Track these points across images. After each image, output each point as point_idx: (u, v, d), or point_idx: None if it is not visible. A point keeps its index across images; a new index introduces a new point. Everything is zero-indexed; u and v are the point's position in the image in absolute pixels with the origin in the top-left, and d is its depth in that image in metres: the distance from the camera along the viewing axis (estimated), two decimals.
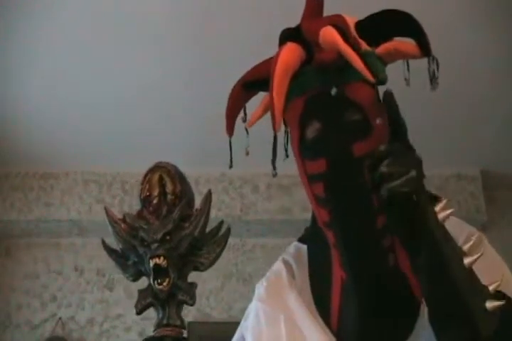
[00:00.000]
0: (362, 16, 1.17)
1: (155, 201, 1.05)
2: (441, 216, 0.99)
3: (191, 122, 3.44)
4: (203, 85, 3.15)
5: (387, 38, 1.14)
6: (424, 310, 1.09)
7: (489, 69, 3.07)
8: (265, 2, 2.75)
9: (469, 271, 0.97)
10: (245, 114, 1.25)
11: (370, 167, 1.00)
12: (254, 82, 1.21)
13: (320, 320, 1.19)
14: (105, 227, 4.21)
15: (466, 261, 0.97)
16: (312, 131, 1.14)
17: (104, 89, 3.23)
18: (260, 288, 1.32)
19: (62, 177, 3.87)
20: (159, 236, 1.00)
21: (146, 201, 1.05)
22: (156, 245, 0.99)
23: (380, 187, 0.98)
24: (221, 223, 1.04)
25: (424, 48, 1.11)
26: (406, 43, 1.14)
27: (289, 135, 1.22)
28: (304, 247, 1.31)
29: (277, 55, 1.13)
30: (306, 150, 1.16)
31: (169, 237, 1.01)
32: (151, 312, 1.10)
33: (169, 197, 1.04)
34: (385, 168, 0.97)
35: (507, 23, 2.81)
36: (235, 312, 3.68)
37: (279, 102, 1.08)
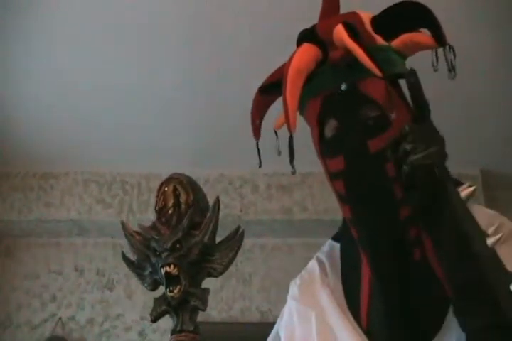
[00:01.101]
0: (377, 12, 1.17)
1: (169, 212, 1.06)
2: (463, 193, 1.01)
3: (191, 122, 3.44)
4: (203, 85, 3.15)
5: (404, 30, 1.15)
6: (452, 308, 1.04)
7: (489, 69, 3.07)
8: (266, 3, 2.75)
9: (493, 252, 0.95)
10: (259, 123, 1.26)
11: (394, 144, 1.04)
12: (269, 85, 1.23)
13: (351, 318, 1.19)
14: (105, 227, 4.16)
15: (489, 241, 0.96)
16: (330, 129, 1.17)
17: (104, 89, 3.23)
18: (294, 286, 1.33)
19: (62, 177, 3.87)
20: (169, 244, 1.01)
21: (160, 212, 1.07)
22: (166, 254, 1.01)
23: (403, 163, 1.02)
24: (238, 228, 1.06)
25: (440, 38, 1.11)
26: (421, 34, 1.16)
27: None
28: (337, 245, 1.32)
29: (291, 56, 1.14)
30: (325, 149, 1.18)
31: (179, 245, 1.02)
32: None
33: (183, 207, 1.06)
34: (408, 145, 1.01)
35: (507, 23, 2.81)
36: (234, 312, 3.67)
37: (292, 103, 1.09)
